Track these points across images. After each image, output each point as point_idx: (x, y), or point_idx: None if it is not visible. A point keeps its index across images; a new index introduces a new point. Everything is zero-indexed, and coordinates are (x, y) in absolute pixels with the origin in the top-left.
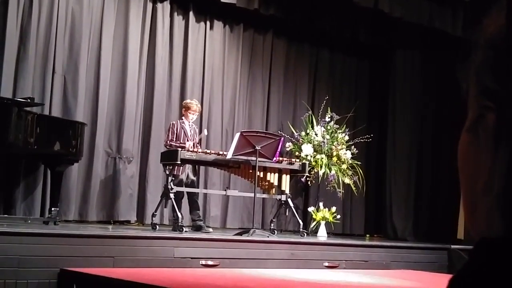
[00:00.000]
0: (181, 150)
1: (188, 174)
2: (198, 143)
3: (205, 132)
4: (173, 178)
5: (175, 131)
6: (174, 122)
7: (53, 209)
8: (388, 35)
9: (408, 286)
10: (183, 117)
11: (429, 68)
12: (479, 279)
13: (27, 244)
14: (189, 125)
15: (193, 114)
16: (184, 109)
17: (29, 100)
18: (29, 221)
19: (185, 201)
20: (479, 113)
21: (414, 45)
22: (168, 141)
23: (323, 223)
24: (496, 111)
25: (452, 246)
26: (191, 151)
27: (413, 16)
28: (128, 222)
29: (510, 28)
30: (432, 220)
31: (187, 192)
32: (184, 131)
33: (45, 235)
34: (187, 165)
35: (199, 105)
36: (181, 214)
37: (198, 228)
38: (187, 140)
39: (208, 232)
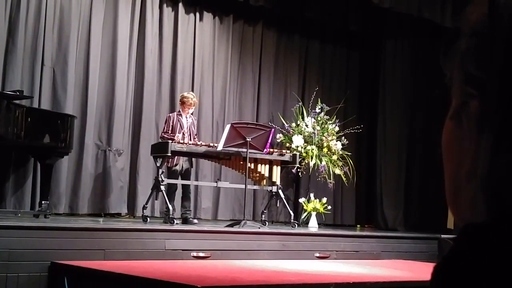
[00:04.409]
0: (172, 142)
1: (182, 165)
2: (196, 135)
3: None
4: (163, 171)
5: (171, 124)
6: (170, 114)
7: (43, 202)
8: (378, 25)
9: (399, 276)
10: (180, 110)
11: (419, 58)
12: (464, 265)
13: (17, 238)
14: (186, 117)
15: (189, 108)
16: (180, 102)
17: (18, 93)
18: (19, 215)
19: (178, 192)
20: (462, 100)
21: (404, 35)
22: (162, 133)
23: (314, 214)
24: (479, 98)
25: (442, 236)
26: (181, 143)
27: (402, 6)
28: (119, 214)
29: (492, 15)
30: (422, 210)
31: (182, 184)
32: (180, 124)
33: (36, 228)
34: (182, 157)
35: (195, 99)
36: (172, 206)
37: (184, 221)
38: (183, 133)
39: (194, 224)
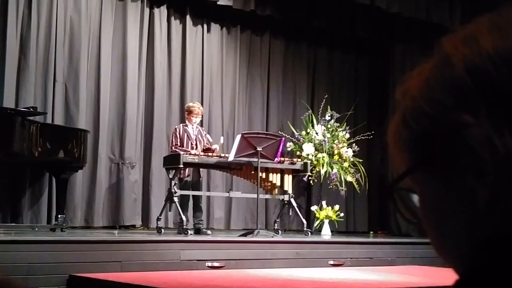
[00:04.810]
0: (183, 153)
1: (192, 176)
2: (206, 143)
3: (221, 140)
4: (176, 182)
5: (178, 136)
6: (176, 126)
7: (59, 216)
8: (386, 30)
9: (415, 282)
10: (186, 121)
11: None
12: (487, 278)
13: (35, 252)
14: (193, 128)
15: (195, 117)
16: (186, 112)
17: (32, 110)
18: (37, 229)
19: (191, 203)
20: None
21: (413, 40)
22: (172, 147)
23: (326, 221)
24: (480, 121)
25: None
26: (193, 155)
27: (410, 11)
28: (133, 226)
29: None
30: None
31: (193, 195)
32: (187, 135)
33: (53, 242)
34: (191, 168)
35: (201, 108)
36: (185, 217)
37: (197, 231)
38: (191, 144)
39: (207, 235)
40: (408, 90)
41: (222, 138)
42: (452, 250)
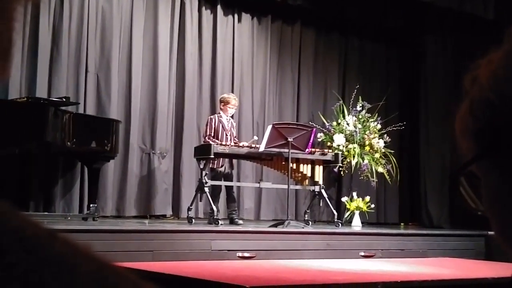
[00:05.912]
0: (214, 144)
1: (225, 167)
2: (235, 137)
3: (255, 138)
4: (207, 172)
5: (213, 126)
6: (212, 116)
7: (91, 205)
8: (418, 20)
9: (446, 274)
10: (220, 111)
11: (460, 52)
12: None
13: None
14: (227, 119)
15: (231, 108)
16: (222, 103)
17: (64, 100)
18: (69, 218)
19: (223, 193)
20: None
21: (445, 30)
22: (206, 136)
23: (357, 212)
24: None
25: (489, 233)
26: (224, 145)
27: (443, 0)
28: (164, 216)
29: None
30: None
31: (225, 185)
32: (222, 125)
33: (85, 231)
34: (226, 158)
35: (237, 99)
36: (216, 207)
37: (230, 221)
38: (225, 135)
39: (238, 225)
40: (476, 78)
41: (255, 137)
42: None
